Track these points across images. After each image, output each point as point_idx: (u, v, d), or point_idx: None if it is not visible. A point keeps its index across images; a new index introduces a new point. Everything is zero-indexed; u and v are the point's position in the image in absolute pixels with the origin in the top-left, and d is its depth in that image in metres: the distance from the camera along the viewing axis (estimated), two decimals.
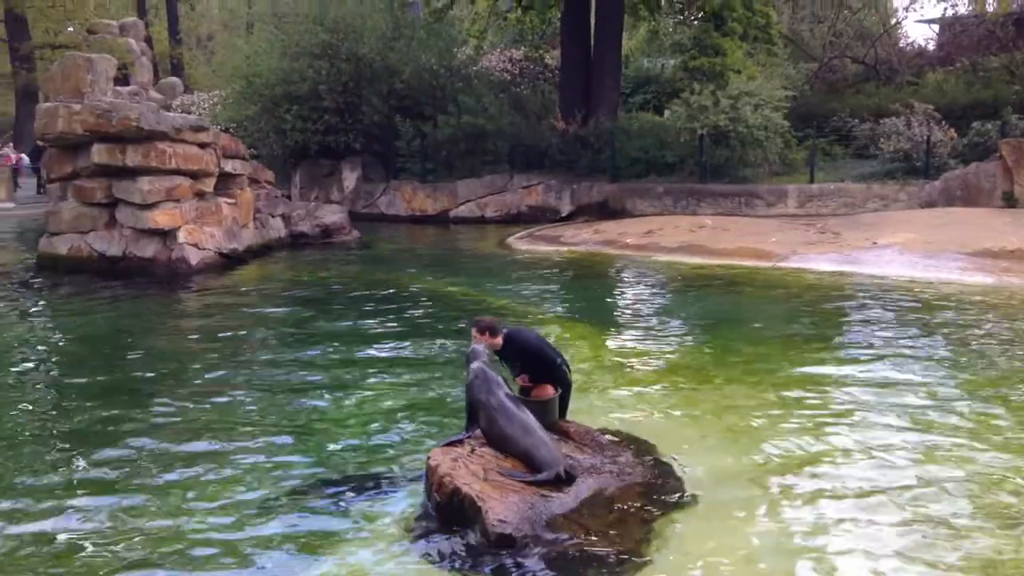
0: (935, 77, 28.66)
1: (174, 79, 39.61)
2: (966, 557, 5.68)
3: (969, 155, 22.62)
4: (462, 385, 9.40)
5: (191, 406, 9.02)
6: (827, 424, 8.14)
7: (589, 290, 15.44)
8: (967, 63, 27.92)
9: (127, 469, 7.29)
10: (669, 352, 11.08)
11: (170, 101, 33.51)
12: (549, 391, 7.04)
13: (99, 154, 16.98)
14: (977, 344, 11.03)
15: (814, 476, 6.95)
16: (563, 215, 25.26)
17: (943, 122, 23.52)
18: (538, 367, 7.12)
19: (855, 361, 10.34)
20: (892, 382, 9.43)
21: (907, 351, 10.71)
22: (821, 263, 16.98)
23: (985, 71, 27.10)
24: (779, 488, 6.74)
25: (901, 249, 17.43)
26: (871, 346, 11.03)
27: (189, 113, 28.56)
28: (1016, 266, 15.77)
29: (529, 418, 6.47)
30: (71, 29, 38.07)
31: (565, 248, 20.47)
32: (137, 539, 6.05)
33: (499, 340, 6.99)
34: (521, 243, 21.51)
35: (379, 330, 12.35)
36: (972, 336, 11.43)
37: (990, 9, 30.53)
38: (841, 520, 6.19)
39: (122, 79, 31.38)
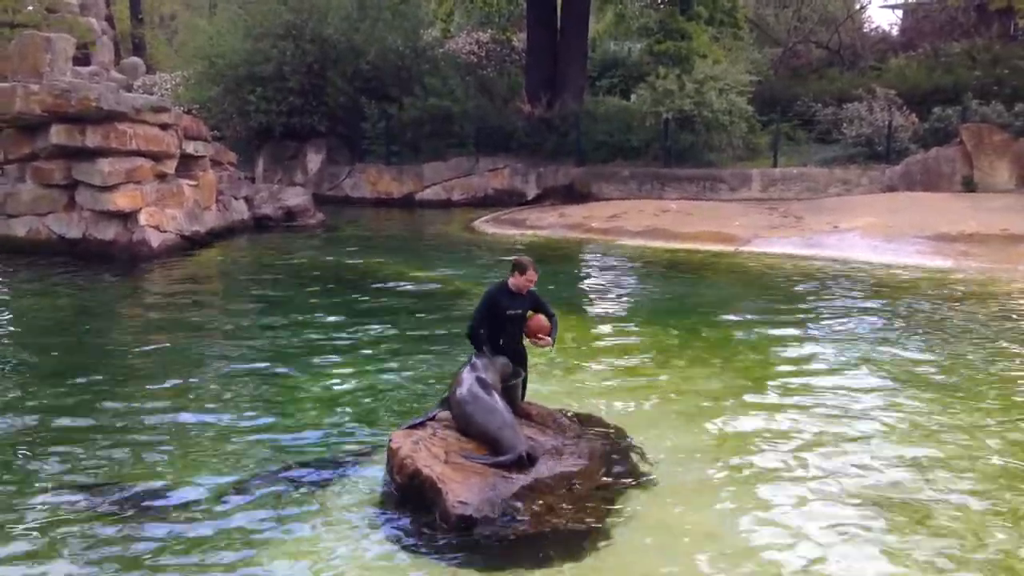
0: (897, 62, 28.90)
1: (136, 59, 38.85)
2: (921, 535, 5.80)
3: (930, 140, 22.89)
4: (424, 368, 9.53)
5: (150, 391, 8.95)
6: (787, 406, 8.26)
7: (554, 274, 15.44)
8: (929, 48, 28.18)
9: (81, 453, 7.23)
10: (632, 335, 11.16)
11: (132, 81, 32.91)
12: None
13: (58, 135, 16.71)
14: (934, 327, 11.21)
15: (773, 456, 7.05)
16: (529, 198, 25.23)
17: (904, 107, 23.75)
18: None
19: (815, 344, 10.48)
20: (851, 365, 9.59)
21: (865, 335, 10.87)
22: (784, 247, 17.15)
23: (946, 56, 27.34)
24: (738, 468, 6.83)
25: (862, 233, 17.64)
26: (831, 330, 11.17)
27: (151, 94, 28.17)
28: (973, 249, 16.01)
29: (495, 401, 6.51)
30: (31, 8, 37.30)
31: (531, 232, 20.48)
32: (91, 523, 6.02)
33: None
34: (487, 226, 21.49)
35: (343, 314, 12.29)
36: (929, 320, 11.62)
37: None
38: (799, 499, 6.29)
39: (83, 59, 30.80)
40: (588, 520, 5.82)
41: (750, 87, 24.20)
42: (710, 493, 6.42)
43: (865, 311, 12.07)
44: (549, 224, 21.02)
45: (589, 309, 12.82)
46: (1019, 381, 8.98)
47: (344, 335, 11.05)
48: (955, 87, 24.52)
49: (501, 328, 7.04)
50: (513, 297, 7.02)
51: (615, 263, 16.68)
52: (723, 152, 24.08)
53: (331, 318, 12.01)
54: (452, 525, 5.65)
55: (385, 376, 9.31)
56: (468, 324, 7.20)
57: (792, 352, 10.12)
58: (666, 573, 5.39)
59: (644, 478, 6.58)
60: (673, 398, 8.53)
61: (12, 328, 12.02)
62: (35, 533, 5.90)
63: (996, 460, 6.95)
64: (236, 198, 21.42)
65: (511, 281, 7.01)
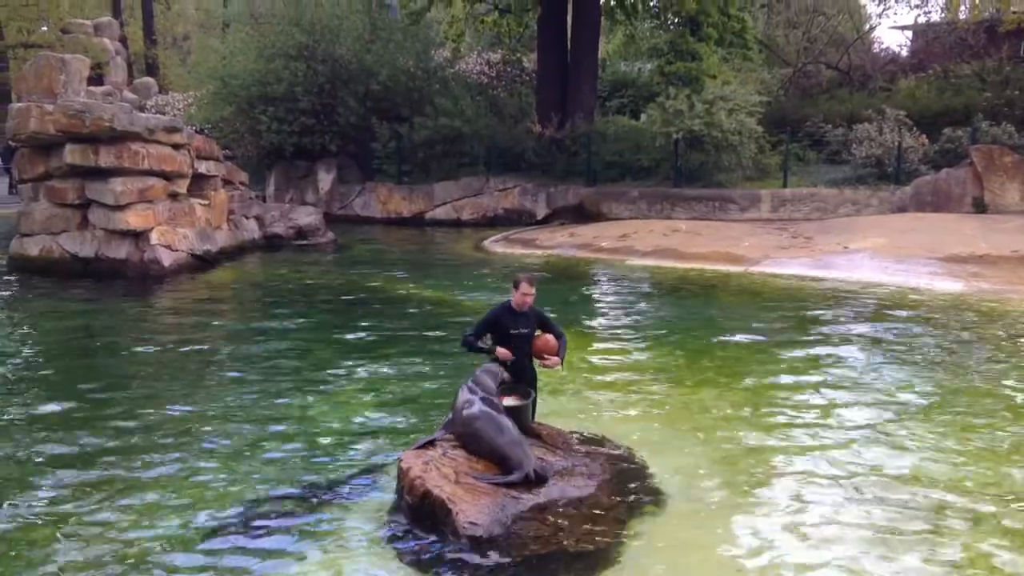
0: (907, 83, 28.95)
1: (149, 79, 39.26)
2: (935, 556, 5.77)
3: (940, 161, 22.90)
4: (434, 387, 9.54)
5: (159, 410, 8.96)
6: (796, 427, 8.24)
7: (564, 293, 15.48)
8: (939, 70, 28.23)
9: (87, 475, 7.23)
10: (641, 355, 11.15)
11: (144, 101, 33.22)
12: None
13: (72, 154, 16.83)
14: (945, 349, 11.17)
15: (783, 478, 7.03)
16: (539, 218, 25.31)
17: (914, 128, 23.76)
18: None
19: (825, 365, 10.45)
20: (862, 386, 9.55)
21: (876, 356, 10.84)
22: (793, 267, 17.12)
23: (956, 78, 27.41)
24: (749, 489, 6.82)
25: (872, 254, 17.61)
26: (841, 350, 11.14)
27: (164, 114, 28.38)
28: (984, 271, 15.97)
29: (503, 420, 6.53)
30: (45, 28, 37.72)
31: (540, 251, 20.52)
32: (98, 546, 6.03)
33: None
34: (497, 246, 21.54)
35: (353, 333, 12.32)
36: (941, 341, 11.57)
37: (962, 17, 30.88)
38: (810, 520, 6.27)
39: (96, 79, 31.07)
40: (597, 541, 5.81)
41: (760, 107, 24.24)
42: (720, 514, 6.41)
43: (876, 332, 12.04)
44: (559, 244, 21.06)
45: (598, 329, 12.83)
46: None
47: (354, 354, 11.07)
48: (965, 108, 24.56)
49: (507, 347, 7.06)
50: (516, 316, 7.05)
51: (624, 283, 16.69)
52: (733, 172, 24.11)
53: (341, 336, 12.04)
54: (462, 546, 5.65)
55: (394, 395, 9.33)
56: (464, 334, 7.23)
57: (802, 373, 10.09)
58: None
59: (653, 499, 6.57)
60: (682, 418, 8.52)
61: (23, 346, 12.07)
62: (36, 546, 5.92)
63: (1018, 482, 6.91)
64: (247, 217, 21.57)
65: (512, 299, 7.04)
